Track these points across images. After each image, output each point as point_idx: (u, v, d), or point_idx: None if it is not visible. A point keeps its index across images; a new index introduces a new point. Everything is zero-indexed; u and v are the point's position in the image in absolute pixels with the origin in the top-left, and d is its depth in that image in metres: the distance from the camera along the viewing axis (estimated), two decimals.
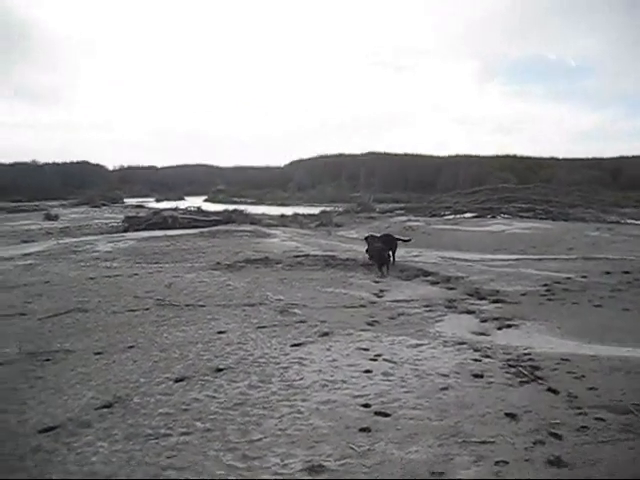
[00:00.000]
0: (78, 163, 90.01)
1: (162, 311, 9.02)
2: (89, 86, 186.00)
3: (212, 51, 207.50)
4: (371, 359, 6.73)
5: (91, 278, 11.85)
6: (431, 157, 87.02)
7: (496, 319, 8.93)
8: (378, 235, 15.21)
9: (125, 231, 22.63)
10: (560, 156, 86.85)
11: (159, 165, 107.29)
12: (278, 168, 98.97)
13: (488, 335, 8.07)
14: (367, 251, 13.89)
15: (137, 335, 7.69)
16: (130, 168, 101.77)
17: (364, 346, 7.23)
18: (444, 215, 33.53)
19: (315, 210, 39.62)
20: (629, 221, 28.58)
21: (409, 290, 11.17)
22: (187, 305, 9.42)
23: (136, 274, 12.35)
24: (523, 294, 10.85)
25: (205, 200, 60.76)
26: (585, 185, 48.71)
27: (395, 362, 6.61)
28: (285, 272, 12.85)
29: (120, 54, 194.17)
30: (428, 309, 9.57)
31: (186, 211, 26.41)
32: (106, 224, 26.51)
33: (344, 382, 5.94)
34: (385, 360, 6.68)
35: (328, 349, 7.10)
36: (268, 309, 9.23)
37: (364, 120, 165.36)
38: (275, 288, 10.97)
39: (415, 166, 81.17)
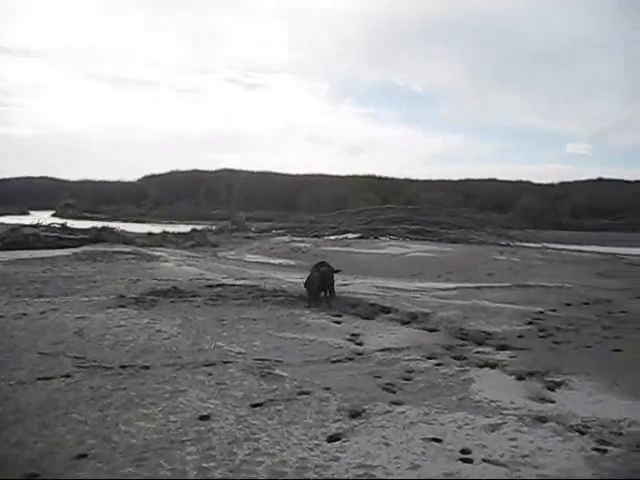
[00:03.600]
0: None
1: (92, 379, 6.23)
2: None
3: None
4: (463, 460, 4.58)
5: None
6: (291, 175, 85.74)
7: (530, 374, 7.12)
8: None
9: None
10: (411, 177, 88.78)
11: None
12: (130, 183, 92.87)
13: (552, 402, 6.20)
14: (306, 282, 11.63)
15: (79, 429, 4.93)
16: None
17: (429, 434, 5.04)
18: (327, 236, 31.92)
19: (177, 228, 36.73)
20: (517, 243, 28.40)
21: (386, 333, 9.09)
22: (123, 367, 6.67)
23: (24, 314, 9.24)
24: (520, 336, 9.20)
25: (53, 215, 55.23)
26: (456, 206, 49.30)
27: (505, 465, 4.50)
28: (213, 309, 10.31)
29: None
30: (435, 362, 7.57)
31: (49, 228, 22.68)
32: None
33: None
34: (487, 461, 4.54)
35: (385, 443, 4.83)
36: (239, 370, 6.74)
37: (217, 137, 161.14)
38: (221, 334, 8.48)
39: (275, 184, 79.54)
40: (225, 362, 7.03)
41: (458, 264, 20.20)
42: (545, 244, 28.99)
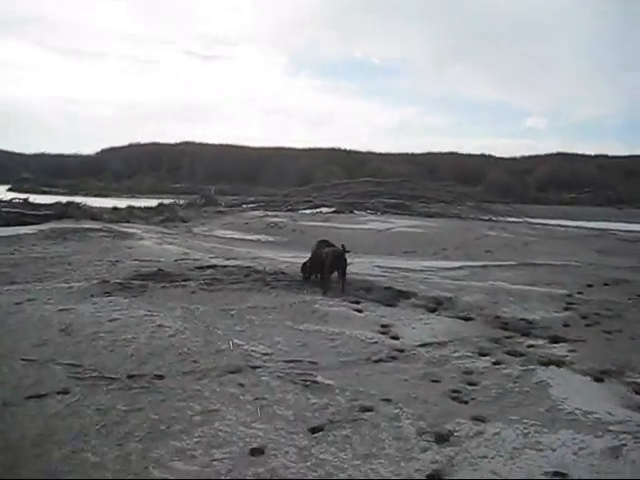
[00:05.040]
0: None
1: (97, 395, 4.98)
2: None
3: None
4: None
5: None
6: (254, 148, 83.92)
7: (605, 373, 6.17)
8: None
9: None
10: (373, 150, 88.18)
11: None
12: (88, 156, 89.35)
13: None
14: (310, 263, 10.42)
15: (98, 478, 3.71)
16: None
17: (548, 467, 4.06)
18: (301, 209, 30.77)
19: (141, 202, 35.07)
20: (500, 218, 27.62)
21: (418, 324, 8.03)
22: (131, 377, 5.43)
23: None
24: (565, 325, 8.21)
25: (9, 189, 52.56)
26: (417, 178, 48.31)
27: None
28: (212, 295, 9.10)
29: None
30: (492, 360, 6.56)
31: (10, 203, 21.03)
32: None
33: None
34: None
35: None
36: (274, 378, 5.57)
37: (176, 109, 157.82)
38: (233, 329, 7.28)
39: (238, 157, 77.67)
40: (253, 367, 5.86)
41: (449, 240, 19.30)
42: (526, 219, 28.28)
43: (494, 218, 27.00)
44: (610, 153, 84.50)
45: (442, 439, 4.37)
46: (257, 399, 5.01)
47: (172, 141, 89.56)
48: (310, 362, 6.14)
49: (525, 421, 4.78)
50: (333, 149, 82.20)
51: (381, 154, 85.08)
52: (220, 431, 4.36)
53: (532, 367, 6.30)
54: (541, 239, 19.77)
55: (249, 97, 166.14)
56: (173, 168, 76.14)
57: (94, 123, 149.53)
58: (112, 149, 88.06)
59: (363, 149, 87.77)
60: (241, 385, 5.32)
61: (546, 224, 26.42)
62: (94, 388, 5.11)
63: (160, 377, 5.47)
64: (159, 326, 7.18)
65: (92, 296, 8.64)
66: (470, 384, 5.74)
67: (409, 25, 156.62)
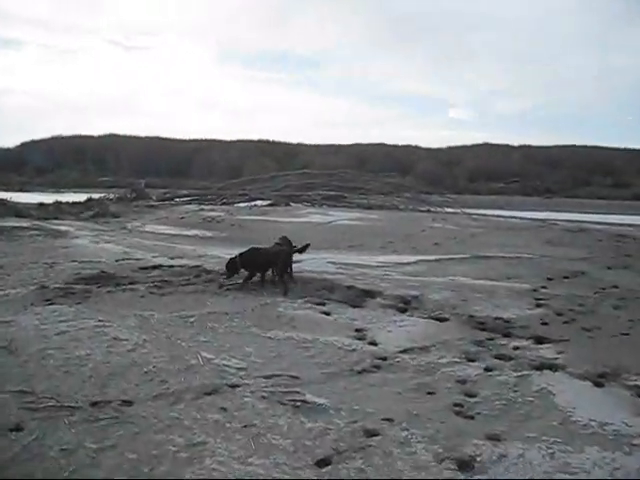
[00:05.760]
0: None
1: (58, 431, 4.23)
2: None
3: None
4: None
5: None
6: (182, 141, 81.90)
7: (602, 377, 5.85)
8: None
9: None
10: (303, 141, 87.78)
11: None
12: (8, 150, 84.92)
13: None
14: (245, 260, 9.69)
15: None
16: None
17: None
18: (236, 203, 29.97)
19: (67, 197, 33.48)
20: (438, 209, 27.57)
21: (393, 327, 7.60)
22: (95, 404, 4.71)
23: None
24: (544, 323, 7.90)
25: None
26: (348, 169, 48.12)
27: None
28: (165, 300, 8.43)
29: None
30: (482, 366, 6.18)
31: None
32: None
33: None
34: None
35: None
36: (258, 399, 4.98)
37: (100, 101, 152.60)
38: (198, 339, 6.63)
39: (165, 150, 75.68)
40: (231, 386, 5.23)
41: (394, 233, 18.89)
42: (463, 209, 28.34)
43: (432, 209, 26.96)
44: (534, 144, 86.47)
45: (465, 466, 3.90)
46: (246, 426, 4.39)
47: (96, 134, 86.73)
48: (291, 376, 5.56)
49: (544, 438, 4.37)
50: (263, 141, 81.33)
51: (311, 146, 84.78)
52: (214, 471, 3.73)
53: (526, 372, 5.94)
54: (486, 230, 19.66)
55: (176, 89, 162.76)
56: (98, 161, 73.54)
57: (13, 115, 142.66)
58: (33, 142, 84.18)
59: (293, 141, 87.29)
60: (224, 409, 4.69)
61: (485, 214, 26.52)
62: (53, 421, 4.37)
63: (128, 403, 4.77)
64: (115, 339, 6.46)
65: (32, 305, 7.81)
66: (469, 395, 5.30)
67: (338, 18, 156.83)
